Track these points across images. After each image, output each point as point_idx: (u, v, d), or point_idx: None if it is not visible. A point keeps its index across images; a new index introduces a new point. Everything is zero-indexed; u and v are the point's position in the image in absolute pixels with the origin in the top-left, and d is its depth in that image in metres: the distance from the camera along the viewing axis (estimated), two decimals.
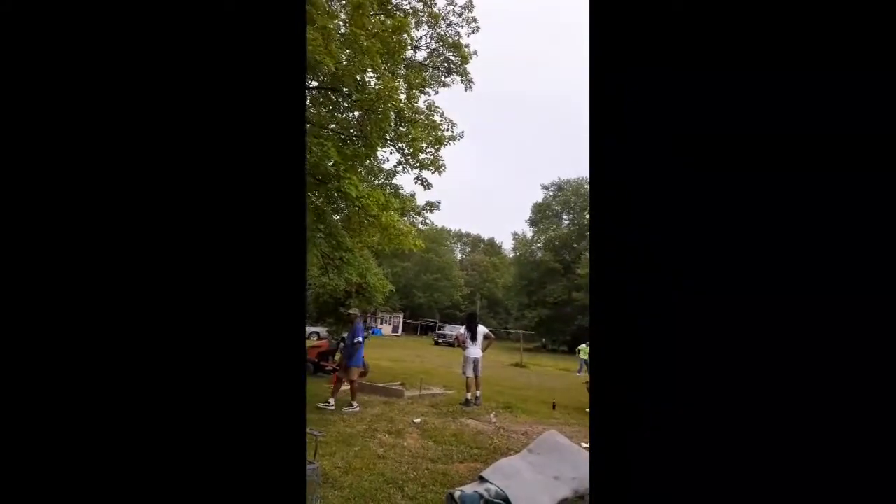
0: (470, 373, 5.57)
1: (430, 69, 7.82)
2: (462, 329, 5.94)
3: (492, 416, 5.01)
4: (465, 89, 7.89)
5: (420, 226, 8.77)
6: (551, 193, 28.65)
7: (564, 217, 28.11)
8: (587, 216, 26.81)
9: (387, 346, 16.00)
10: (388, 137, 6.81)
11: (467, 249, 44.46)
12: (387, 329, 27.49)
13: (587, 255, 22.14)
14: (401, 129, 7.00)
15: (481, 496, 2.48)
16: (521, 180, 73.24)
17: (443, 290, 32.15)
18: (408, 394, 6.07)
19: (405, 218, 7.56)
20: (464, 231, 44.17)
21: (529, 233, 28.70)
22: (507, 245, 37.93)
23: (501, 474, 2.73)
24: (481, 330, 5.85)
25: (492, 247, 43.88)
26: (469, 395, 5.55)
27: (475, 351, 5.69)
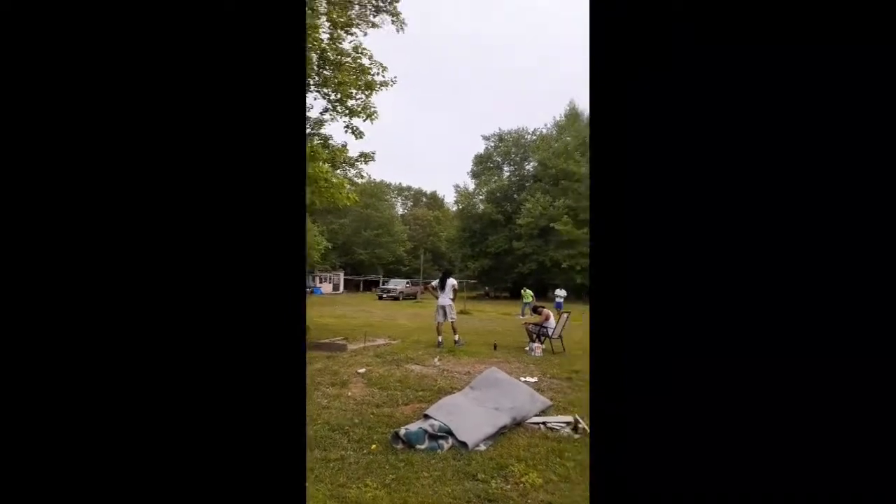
0: (441, 318, 6.31)
1: (357, 6, 7.15)
2: (435, 282, 6.81)
3: (436, 360, 5.17)
4: (397, 31, 7.37)
5: (355, 179, 8.39)
6: (492, 144, 28.61)
7: (505, 168, 28.38)
8: (527, 166, 27.30)
9: (328, 304, 15.77)
10: (310, 82, 6.26)
11: (409, 204, 43.94)
12: (327, 287, 27.08)
13: (527, 205, 22.77)
14: (325, 72, 6.43)
15: (426, 431, 2.56)
16: (463, 132, 72.25)
17: (385, 246, 31.84)
18: (351, 347, 6.06)
19: (337, 171, 7.18)
20: (405, 185, 43.42)
21: (471, 185, 28.79)
22: (450, 198, 37.97)
23: (445, 410, 2.83)
24: (450, 282, 6.57)
25: (434, 200, 43.68)
26: (440, 338, 6.25)
27: (445, 300, 6.40)
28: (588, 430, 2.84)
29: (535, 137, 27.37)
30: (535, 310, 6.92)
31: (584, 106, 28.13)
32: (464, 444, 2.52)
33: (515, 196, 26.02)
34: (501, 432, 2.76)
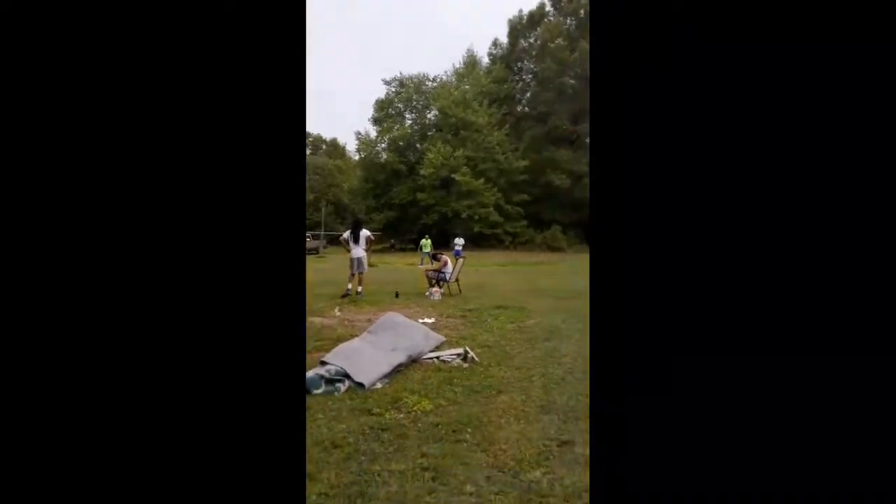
0: (356, 270, 6.20)
1: None
2: (346, 233, 6.58)
3: (336, 310, 5.15)
4: None
5: None
6: (393, 90, 27.44)
7: (407, 116, 27.64)
8: (429, 115, 26.88)
9: None
10: None
11: (307, 152, 40.79)
12: None
13: (429, 155, 22.70)
14: None
15: (322, 377, 2.60)
16: (367, 77, 67.59)
17: None
18: None
19: None
20: None
21: (373, 132, 27.63)
22: (351, 146, 36.11)
23: (342, 355, 2.89)
24: (363, 233, 6.45)
25: (335, 148, 41.16)
26: (349, 287, 6.18)
27: (358, 252, 6.28)
28: (476, 359, 3.15)
29: (435, 84, 26.86)
30: (434, 257, 7.20)
31: (482, 54, 28.10)
32: (360, 385, 2.62)
33: (418, 145, 25.75)
34: (398, 370, 2.92)
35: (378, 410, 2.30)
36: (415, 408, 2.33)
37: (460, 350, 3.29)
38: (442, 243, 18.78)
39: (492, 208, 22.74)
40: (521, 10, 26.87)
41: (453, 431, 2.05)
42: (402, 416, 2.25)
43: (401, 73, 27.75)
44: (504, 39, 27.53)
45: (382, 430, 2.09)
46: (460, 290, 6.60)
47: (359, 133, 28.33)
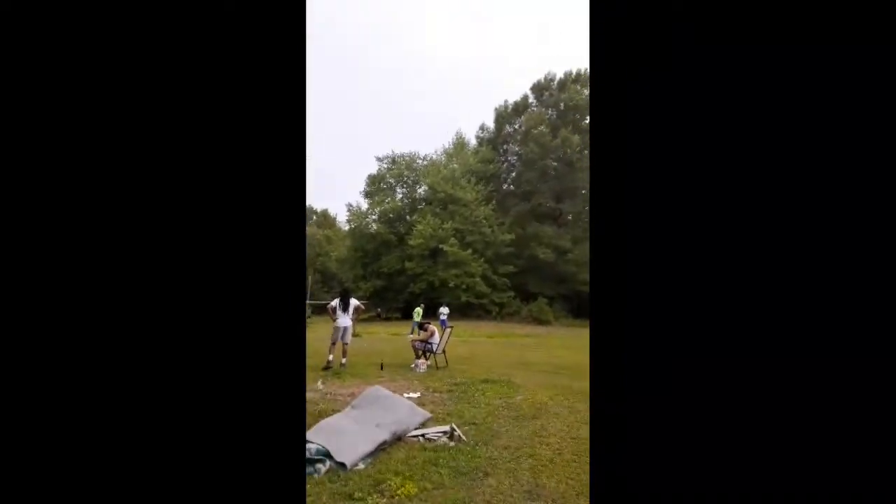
0: (336, 338, 6.09)
1: None
2: (335, 302, 6.39)
3: (319, 383, 4.97)
4: None
5: None
6: (385, 166, 28.93)
7: (398, 190, 28.85)
8: (419, 189, 28.11)
9: None
10: None
11: None
12: None
13: (419, 226, 23.36)
14: None
15: None
16: (354, 151, 71.35)
17: None
18: None
19: None
20: None
21: (364, 205, 28.57)
22: (342, 217, 37.01)
23: (324, 432, 2.77)
24: (353, 303, 6.39)
25: (325, 218, 42.04)
26: (331, 357, 6.03)
27: (345, 321, 6.20)
28: (462, 437, 3.05)
29: (425, 162, 28.49)
30: (422, 326, 7.13)
31: (469, 136, 30.29)
32: (342, 465, 2.50)
33: (408, 217, 26.55)
34: (382, 448, 2.80)
35: (360, 495, 2.19)
36: (398, 491, 2.22)
37: (446, 427, 3.19)
38: (429, 312, 18.62)
39: (479, 278, 22.98)
40: (506, 101, 29.58)
41: None
42: (384, 501, 2.14)
43: (393, 151, 29.49)
44: (491, 125, 29.93)
45: None
46: (447, 363, 6.47)
47: (350, 205, 29.26)
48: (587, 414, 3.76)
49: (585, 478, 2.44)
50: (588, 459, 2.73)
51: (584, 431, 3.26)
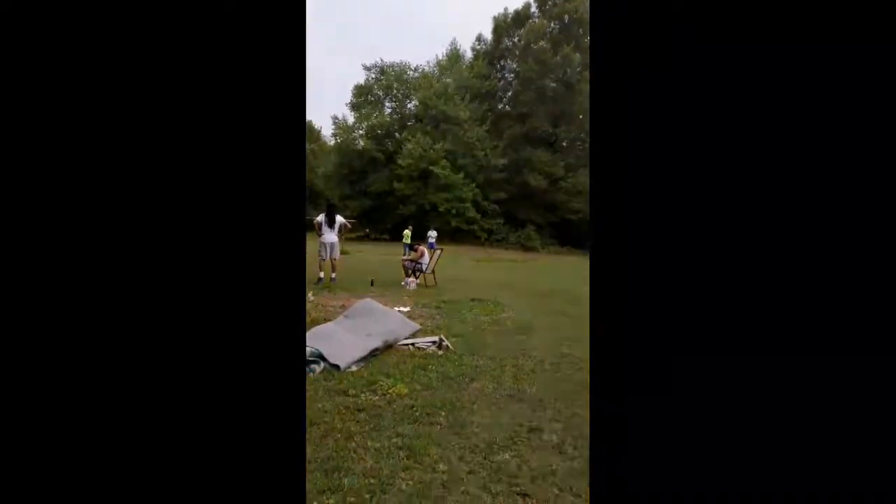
0: (325, 255, 6.11)
1: None
2: (320, 217, 6.31)
3: (309, 294, 5.10)
4: None
5: None
6: (374, 76, 26.98)
7: (387, 104, 27.27)
8: (409, 104, 26.62)
9: None
10: None
11: None
12: None
13: (409, 146, 22.52)
14: None
15: None
16: (339, 56, 65.98)
17: None
18: None
19: None
20: None
21: (350, 118, 27.12)
22: (327, 130, 35.33)
23: (317, 338, 2.89)
24: (339, 219, 6.31)
25: (310, 131, 40.08)
26: (321, 274, 6.15)
27: (331, 237, 6.16)
28: (451, 348, 3.22)
29: (417, 75, 26.61)
30: (412, 247, 7.22)
31: (465, 47, 28.04)
32: (336, 367, 2.63)
33: (397, 135, 25.45)
34: (373, 355, 2.94)
35: (354, 392, 2.33)
36: (390, 391, 2.37)
37: (435, 338, 3.35)
38: (418, 236, 18.77)
39: (469, 204, 22.86)
40: (506, 9, 26.98)
41: (427, 414, 2.11)
42: (377, 398, 2.29)
43: (382, 60, 27.31)
44: (488, 36, 27.60)
45: (358, 410, 2.13)
46: (436, 282, 6.65)
47: (335, 117, 27.67)
48: (569, 332, 3.98)
49: (564, 386, 2.63)
50: (567, 371, 2.93)
51: (565, 348, 3.47)
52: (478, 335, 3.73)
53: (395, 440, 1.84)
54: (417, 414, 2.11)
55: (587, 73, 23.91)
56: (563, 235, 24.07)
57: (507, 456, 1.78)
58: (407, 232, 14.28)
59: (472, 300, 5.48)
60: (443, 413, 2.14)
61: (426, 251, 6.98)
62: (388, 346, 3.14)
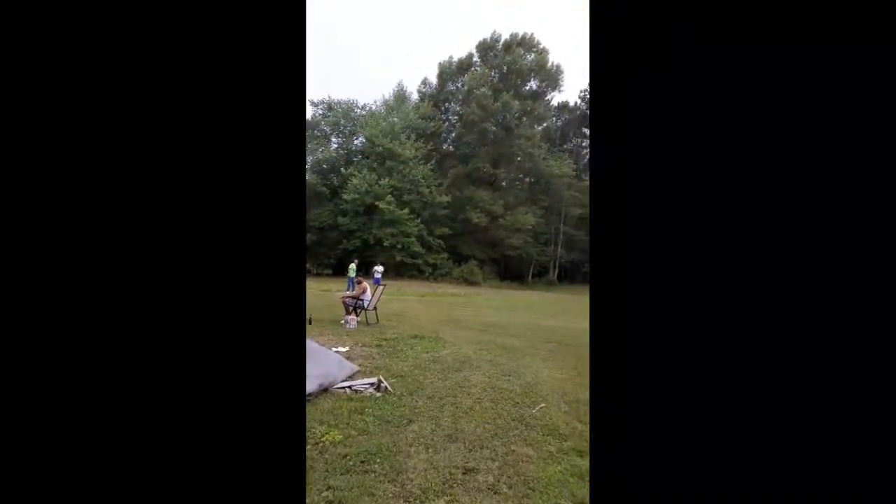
0: None
1: None
2: None
3: None
4: None
5: None
6: (321, 112, 27.02)
7: (333, 140, 27.26)
8: (356, 140, 26.81)
9: None
10: None
11: None
12: None
13: (354, 181, 22.49)
14: None
15: None
16: None
17: None
18: None
19: None
20: None
21: None
22: None
23: None
24: None
25: None
26: None
27: None
28: (389, 389, 3.15)
29: (364, 112, 27.07)
30: (356, 282, 7.07)
31: (411, 89, 29.17)
32: None
33: (343, 170, 25.34)
34: (308, 400, 2.80)
35: None
36: (323, 438, 2.26)
37: (374, 379, 3.27)
38: (361, 270, 18.38)
39: (414, 238, 23.00)
40: (451, 56, 28.67)
41: (361, 462, 2.04)
42: (308, 447, 2.17)
43: (329, 97, 27.54)
44: (433, 80, 28.99)
45: None
46: (378, 319, 6.53)
47: None
48: (507, 366, 4.07)
49: (501, 421, 2.67)
50: (505, 407, 2.98)
51: (504, 382, 3.54)
52: (418, 374, 3.70)
53: (325, 494, 1.75)
54: (351, 463, 2.03)
55: (524, 120, 25.73)
56: (503, 270, 24.86)
57: (441, 502, 1.76)
58: (352, 266, 14.00)
59: (414, 337, 5.44)
60: (378, 460, 2.07)
61: (368, 287, 6.87)
62: (324, 390, 3.01)
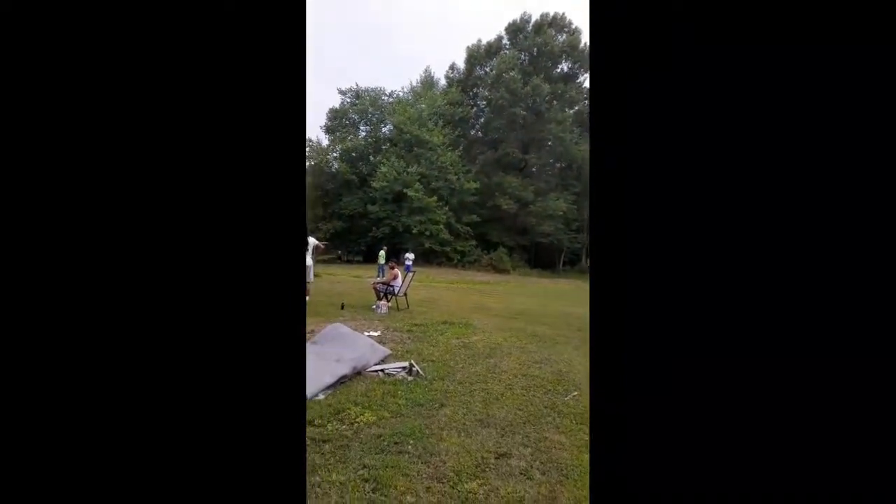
0: None
1: None
2: None
3: None
4: None
5: None
6: (349, 100, 27.25)
7: (362, 128, 27.48)
8: (383, 128, 26.92)
9: None
10: None
11: None
12: None
13: (383, 168, 22.66)
14: None
15: None
16: (315, 81, 66.30)
17: None
18: None
19: None
20: None
21: (325, 140, 27.13)
22: None
23: None
24: (311, 241, 6.43)
25: None
26: None
27: (306, 259, 6.23)
28: (421, 373, 3.19)
29: (391, 99, 27.08)
30: (389, 266, 7.17)
31: (439, 74, 28.87)
32: None
33: (371, 158, 25.58)
34: (342, 382, 2.88)
35: (320, 422, 2.27)
36: (357, 419, 2.32)
37: (405, 363, 3.32)
38: (391, 257, 18.61)
39: (442, 226, 23.02)
40: (479, 40, 28.10)
41: (395, 443, 2.08)
42: (344, 427, 2.24)
43: (357, 85, 27.68)
44: (461, 65, 28.54)
45: (324, 441, 2.07)
46: (408, 305, 6.61)
47: (310, 140, 27.60)
48: (538, 354, 4.03)
49: (533, 408, 2.65)
50: (536, 394, 2.95)
51: (534, 370, 3.51)
52: (448, 359, 3.72)
53: (361, 472, 1.79)
54: (385, 443, 2.07)
55: (555, 104, 24.97)
56: (533, 257, 24.52)
57: (474, 485, 1.76)
58: (382, 253, 14.22)
59: (444, 323, 5.47)
60: (411, 441, 2.11)
61: (399, 273, 6.95)
62: (358, 373, 3.08)
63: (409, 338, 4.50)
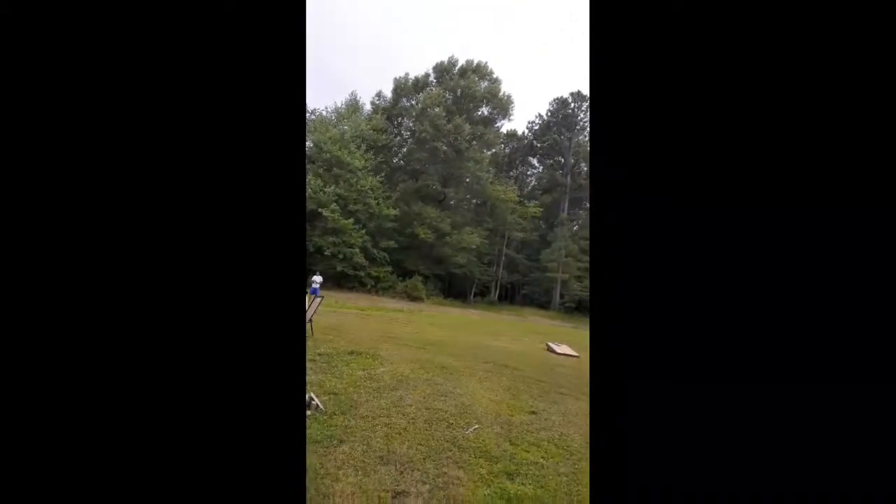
0: None
1: None
2: None
3: None
4: None
5: None
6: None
7: None
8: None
9: None
10: None
11: None
12: None
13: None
14: None
15: None
16: None
17: None
18: None
19: None
20: None
21: None
22: None
23: None
24: (317, 279, 5.70)
25: None
26: None
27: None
28: (321, 407, 3.02)
29: (313, 117, 26.42)
30: None
31: (365, 100, 29.04)
32: None
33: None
34: None
35: None
36: None
37: (305, 397, 3.12)
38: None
39: (358, 249, 22.50)
40: (407, 73, 29.02)
41: None
42: None
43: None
44: (388, 94, 29.10)
45: None
46: (312, 332, 6.26)
47: None
48: (443, 386, 4.08)
49: (434, 443, 2.66)
50: (439, 428, 2.97)
51: (439, 403, 3.54)
52: (352, 392, 3.58)
53: None
54: None
55: (475, 144, 26.52)
56: (447, 287, 25.06)
57: None
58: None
59: (350, 353, 5.28)
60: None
61: (306, 297, 6.59)
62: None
63: (312, 368, 4.26)
